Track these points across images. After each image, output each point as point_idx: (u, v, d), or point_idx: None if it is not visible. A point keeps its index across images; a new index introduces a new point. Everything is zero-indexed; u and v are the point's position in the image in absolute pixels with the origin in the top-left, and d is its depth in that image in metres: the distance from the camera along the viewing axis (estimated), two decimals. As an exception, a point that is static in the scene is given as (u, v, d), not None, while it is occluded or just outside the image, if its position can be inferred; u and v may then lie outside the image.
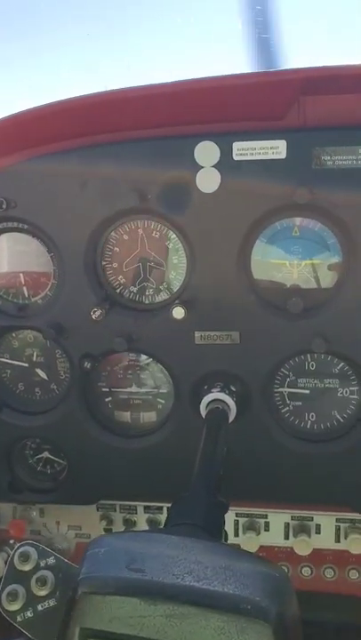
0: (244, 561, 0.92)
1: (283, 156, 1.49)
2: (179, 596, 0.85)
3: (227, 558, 0.92)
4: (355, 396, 1.70)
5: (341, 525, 1.83)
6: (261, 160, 1.50)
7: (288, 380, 1.73)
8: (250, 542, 1.83)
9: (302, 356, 1.70)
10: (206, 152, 1.50)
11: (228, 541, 1.84)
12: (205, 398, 1.60)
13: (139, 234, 1.65)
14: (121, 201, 1.55)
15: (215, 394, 1.60)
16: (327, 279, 1.62)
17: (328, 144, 1.47)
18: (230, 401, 1.59)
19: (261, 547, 1.87)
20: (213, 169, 1.52)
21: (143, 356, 1.77)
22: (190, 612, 0.84)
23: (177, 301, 1.60)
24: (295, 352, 1.66)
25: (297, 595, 1.87)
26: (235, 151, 1.50)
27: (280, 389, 1.74)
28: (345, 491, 1.73)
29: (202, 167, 1.51)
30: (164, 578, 0.87)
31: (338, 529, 1.83)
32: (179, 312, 1.57)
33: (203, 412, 1.59)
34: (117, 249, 1.67)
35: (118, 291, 1.70)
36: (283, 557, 1.89)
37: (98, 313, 1.60)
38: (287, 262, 1.63)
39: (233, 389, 1.65)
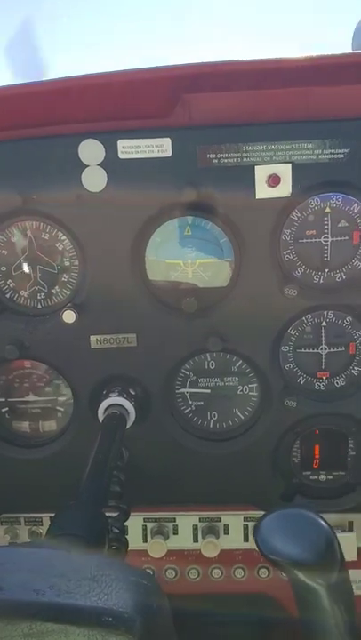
0: (111, 570, 0.89)
1: (168, 154, 1.47)
2: (37, 613, 0.80)
3: (94, 569, 0.88)
4: (254, 394, 1.70)
5: (249, 524, 1.82)
6: (148, 158, 1.48)
7: (189, 380, 1.71)
8: (157, 547, 1.80)
9: (202, 356, 1.69)
10: (91, 150, 1.47)
11: (136, 548, 1.83)
12: (103, 403, 1.56)
13: (27, 236, 1.60)
14: (4, 202, 1.50)
15: (112, 398, 1.57)
16: (221, 278, 1.61)
17: (212, 142, 1.47)
18: (128, 405, 1.56)
19: (170, 551, 1.84)
20: (99, 167, 1.48)
21: (39, 364, 1.71)
22: (50, 629, 0.80)
23: (69, 305, 1.56)
24: (192, 352, 1.64)
25: (208, 597, 1.86)
26: (120, 149, 1.47)
27: (182, 390, 1.72)
28: (248, 489, 1.73)
29: (87, 166, 1.48)
30: (23, 595, 0.82)
31: (245, 528, 1.82)
32: (69, 316, 1.52)
33: (101, 418, 1.55)
34: (5, 252, 1.60)
35: (8, 295, 1.63)
36: (192, 560, 1.87)
37: None
38: (181, 262, 1.61)
39: (132, 393, 1.62)
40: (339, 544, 1.03)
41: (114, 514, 1.43)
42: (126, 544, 1.38)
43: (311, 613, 0.99)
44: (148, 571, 1.38)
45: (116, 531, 1.39)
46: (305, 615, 1.01)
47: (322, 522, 1.03)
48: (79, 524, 1.10)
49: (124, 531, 1.42)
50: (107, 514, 1.26)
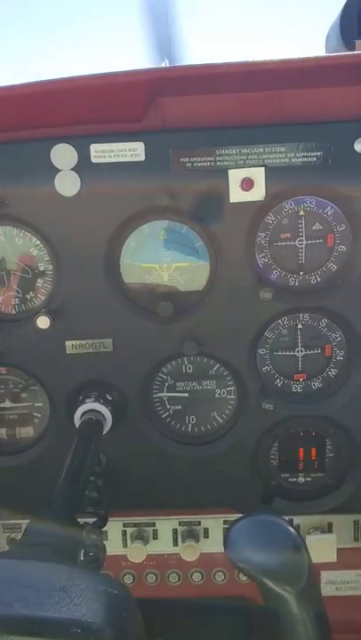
0: (82, 580, 0.88)
1: (142, 158, 1.47)
2: (3, 626, 0.79)
3: (64, 579, 0.87)
4: (232, 397, 1.70)
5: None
6: (121, 162, 1.47)
7: (167, 384, 1.71)
8: (137, 552, 1.79)
9: (179, 360, 1.68)
10: (63, 155, 1.46)
11: (116, 553, 1.82)
12: (79, 409, 1.55)
13: (0, 241, 1.58)
14: None
15: (89, 404, 1.55)
16: (197, 282, 1.61)
17: (186, 146, 1.46)
18: (105, 410, 1.55)
19: (150, 555, 1.83)
20: (72, 172, 1.47)
21: (15, 370, 1.70)
22: None
23: (43, 310, 1.55)
24: (169, 356, 1.64)
25: (189, 600, 1.85)
26: (92, 153, 1.46)
27: (159, 394, 1.71)
28: (227, 492, 1.72)
29: (60, 170, 1.47)
30: (-10, 607, 0.81)
31: (225, 531, 1.82)
32: (43, 321, 1.51)
33: (77, 424, 1.54)
34: None
35: None
36: (173, 565, 1.86)
37: None
38: (157, 266, 1.60)
39: (109, 398, 1.61)
40: (307, 550, 1.04)
41: (91, 520, 1.43)
42: (104, 550, 1.37)
43: (281, 620, 0.99)
44: (119, 580, 1.37)
45: (93, 537, 1.38)
46: (275, 622, 1.01)
47: (290, 529, 1.03)
48: (51, 532, 1.09)
49: (101, 537, 1.41)
50: (84, 520, 1.25)
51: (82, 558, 1.22)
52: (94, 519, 1.49)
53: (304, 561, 1.01)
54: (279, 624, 1.05)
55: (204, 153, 1.46)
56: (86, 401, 1.56)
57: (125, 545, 1.84)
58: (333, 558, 1.75)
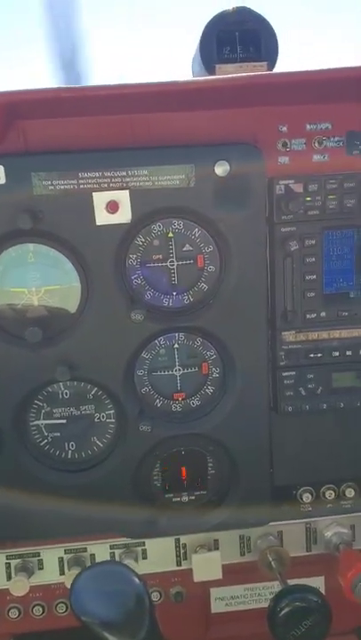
0: None
1: (2, 181, 1.43)
2: None
3: None
4: (111, 420, 1.68)
5: (116, 552, 1.79)
6: None
7: (43, 411, 1.66)
8: (19, 585, 1.72)
9: (55, 385, 1.65)
10: None
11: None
12: None
13: None
14: None
15: None
16: (69, 304, 1.58)
17: (48, 169, 1.44)
18: None
19: (35, 587, 1.78)
20: None
21: None
22: None
23: None
24: (41, 383, 1.60)
25: (79, 630, 1.80)
26: None
27: (36, 422, 1.67)
28: (112, 516, 1.69)
29: None
30: None
31: (112, 555, 1.79)
32: None
33: None
34: None
35: None
36: (60, 594, 1.81)
37: None
38: (26, 290, 1.57)
39: None
40: (150, 601, 1.03)
41: None
42: None
43: None
44: None
45: None
46: None
47: (134, 579, 1.02)
48: None
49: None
50: None
51: None
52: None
53: (145, 612, 1.00)
54: None
55: (67, 176, 1.44)
56: None
57: (10, 578, 1.77)
58: (219, 575, 1.76)
